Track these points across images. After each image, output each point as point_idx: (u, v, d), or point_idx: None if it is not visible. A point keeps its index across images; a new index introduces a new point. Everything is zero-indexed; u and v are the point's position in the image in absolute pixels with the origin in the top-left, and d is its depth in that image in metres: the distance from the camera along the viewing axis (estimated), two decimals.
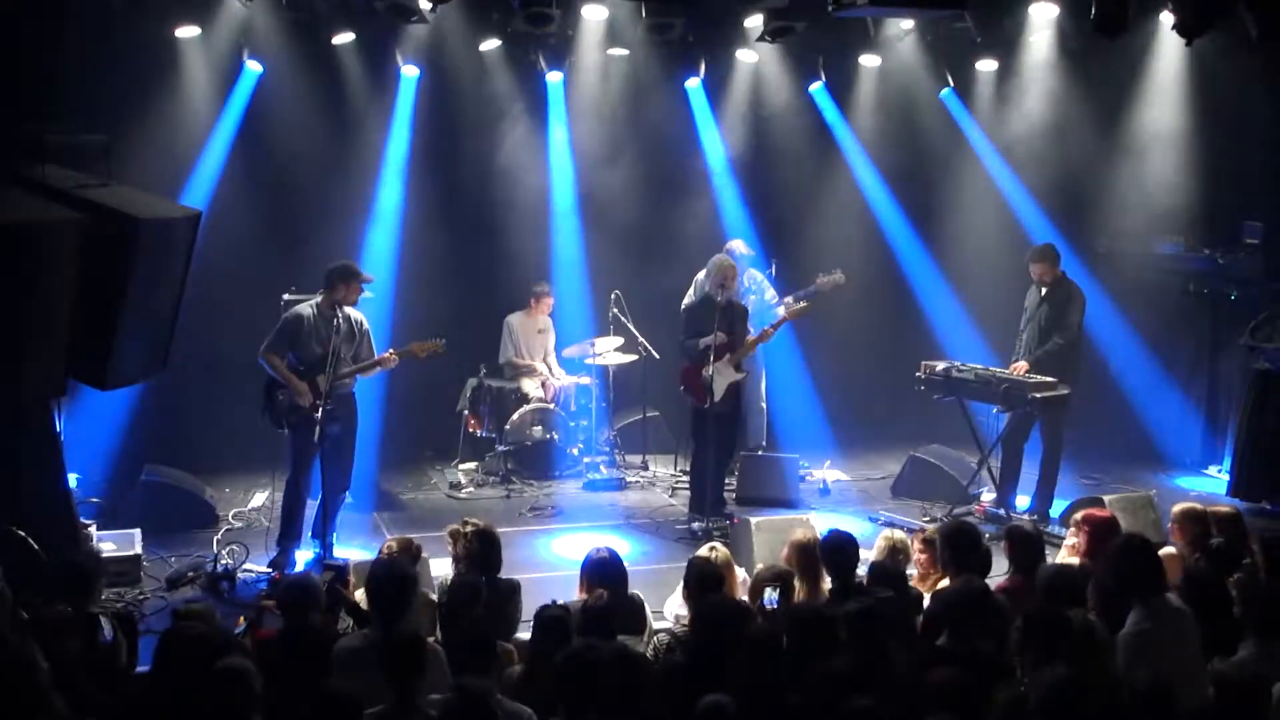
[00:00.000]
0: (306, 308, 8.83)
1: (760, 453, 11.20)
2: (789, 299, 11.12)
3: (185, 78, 10.66)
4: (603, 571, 6.56)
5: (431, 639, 6.01)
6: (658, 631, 6.64)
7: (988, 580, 6.70)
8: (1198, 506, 7.50)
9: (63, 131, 8.02)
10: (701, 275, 10.55)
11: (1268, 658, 5.39)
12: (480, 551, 6.75)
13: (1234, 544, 7.02)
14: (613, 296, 11.44)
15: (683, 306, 10.65)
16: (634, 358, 11.66)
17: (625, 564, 6.80)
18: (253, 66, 10.81)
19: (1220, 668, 5.27)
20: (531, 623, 5.94)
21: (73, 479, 8.70)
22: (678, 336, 10.22)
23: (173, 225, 8.02)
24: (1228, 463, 11.50)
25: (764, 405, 11.62)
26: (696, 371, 9.86)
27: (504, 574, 6.89)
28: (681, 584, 6.79)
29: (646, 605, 6.75)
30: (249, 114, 10.97)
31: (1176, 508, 7.52)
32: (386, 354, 8.97)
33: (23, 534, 7.17)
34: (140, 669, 6.06)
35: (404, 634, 5.18)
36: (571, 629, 5.63)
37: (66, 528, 7.88)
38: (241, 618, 6.63)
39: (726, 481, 10.62)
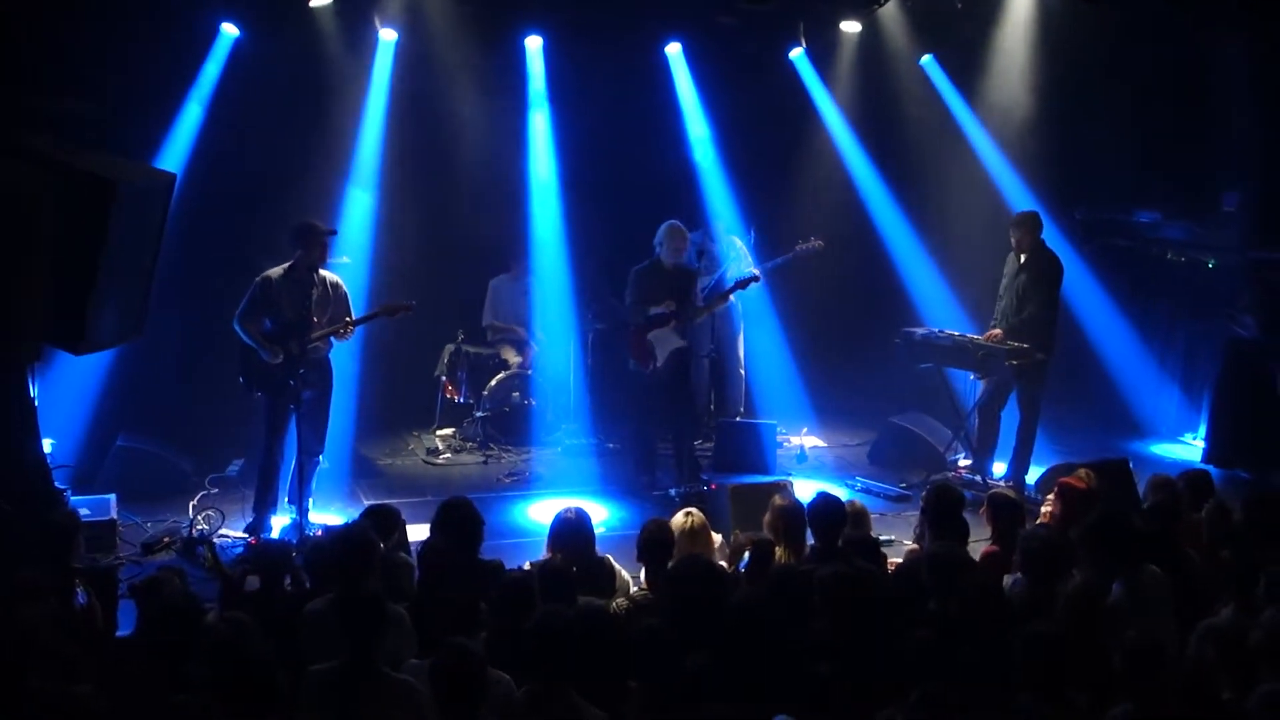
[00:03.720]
0: (276, 271, 8.77)
1: (738, 419, 11.22)
2: (757, 268, 11.16)
3: (160, 41, 10.56)
4: (569, 532, 6.54)
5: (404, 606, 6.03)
6: (621, 600, 6.62)
7: (967, 546, 6.78)
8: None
9: (42, 95, 7.98)
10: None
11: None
12: (459, 526, 6.67)
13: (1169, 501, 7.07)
14: (592, 263, 11.42)
15: (632, 271, 10.52)
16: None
17: (603, 530, 6.80)
18: (229, 30, 10.72)
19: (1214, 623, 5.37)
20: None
21: (47, 445, 8.64)
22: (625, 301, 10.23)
23: (148, 189, 7.96)
24: (1203, 430, 11.57)
25: (743, 372, 11.62)
26: (641, 336, 9.89)
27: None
28: None
29: (618, 567, 6.73)
30: (225, 78, 10.87)
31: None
32: (342, 324, 8.79)
33: None
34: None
35: (358, 592, 5.17)
36: (535, 592, 5.62)
37: (42, 494, 7.85)
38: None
39: (705, 446, 10.67)
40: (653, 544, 6.38)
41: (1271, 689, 4.77)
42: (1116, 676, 5.10)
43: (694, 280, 10.23)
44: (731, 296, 11.05)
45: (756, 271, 10.65)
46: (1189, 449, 11.73)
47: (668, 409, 10.11)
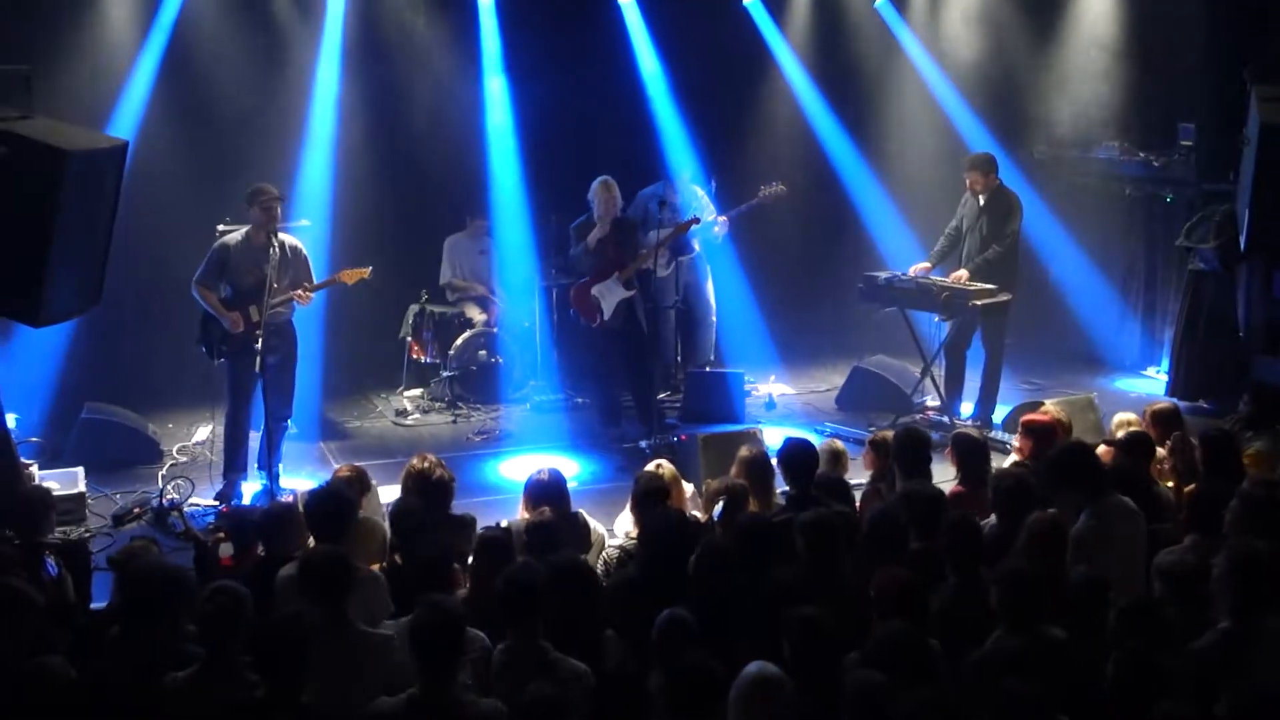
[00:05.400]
0: (234, 237, 8.68)
1: (706, 369, 11.23)
2: (721, 215, 11.15)
3: (106, 5, 10.39)
4: (543, 492, 6.54)
5: (378, 566, 6.02)
6: (612, 549, 6.65)
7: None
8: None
9: None
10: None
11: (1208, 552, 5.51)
12: (432, 487, 6.65)
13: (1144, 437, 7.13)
14: (552, 220, 11.37)
15: (571, 226, 10.48)
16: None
17: (574, 484, 6.81)
18: None
19: (1163, 560, 5.40)
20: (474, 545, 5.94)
21: (11, 419, 8.55)
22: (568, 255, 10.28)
23: (100, 156, 7.83)
24: (1165, 363, 11.66)
25: (714, 320, 11.62)
26: (585, 291, 9.88)
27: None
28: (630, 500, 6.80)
29: (593, 522, 6.75)
30: (173, 41, 10.72)
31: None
32: (302, 288, 8.70)
33: None
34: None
35: (321, 552, 5.15)
36: (513, 549, 5.62)
37: (8, 468, 7.78)
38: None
39: (675, 397, 10.70)
40: (649, 493, 6.41)
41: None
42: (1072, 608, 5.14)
43: (635, 230, 10.25)
44: (695, 244, 11.10)
45: (698, 216, 10.62)
46: (1152, 382, 11.81)
47: (624, 360, 10.14)
